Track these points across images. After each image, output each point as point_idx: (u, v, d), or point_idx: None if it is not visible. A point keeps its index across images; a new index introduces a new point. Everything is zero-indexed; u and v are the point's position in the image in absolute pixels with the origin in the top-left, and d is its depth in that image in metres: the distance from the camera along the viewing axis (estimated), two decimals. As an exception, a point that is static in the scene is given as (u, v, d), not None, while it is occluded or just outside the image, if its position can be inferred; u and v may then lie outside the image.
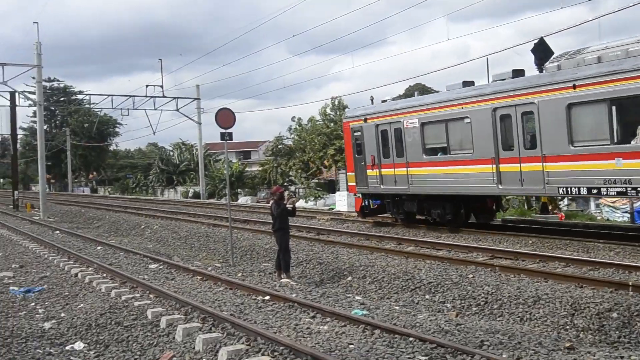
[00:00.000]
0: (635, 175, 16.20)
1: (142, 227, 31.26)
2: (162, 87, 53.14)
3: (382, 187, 25.03)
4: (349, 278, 15.80)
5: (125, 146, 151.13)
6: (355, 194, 27.63)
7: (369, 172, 25.63)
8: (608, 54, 17.04)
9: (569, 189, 17.91)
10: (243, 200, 54.24)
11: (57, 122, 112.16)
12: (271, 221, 17.00)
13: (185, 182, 75.56)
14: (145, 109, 55.66)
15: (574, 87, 17.45)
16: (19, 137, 78.71)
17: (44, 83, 47.05)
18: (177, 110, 55.81)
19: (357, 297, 13.24)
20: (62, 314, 12.82)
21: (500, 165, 19.99)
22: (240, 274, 16.51)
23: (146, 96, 53.02)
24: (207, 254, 22.31)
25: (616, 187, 16.65)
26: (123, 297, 13.38)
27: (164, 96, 53.61)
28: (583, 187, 17.49)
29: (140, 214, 38.50)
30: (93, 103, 64.62)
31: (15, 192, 50.99)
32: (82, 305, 13.33)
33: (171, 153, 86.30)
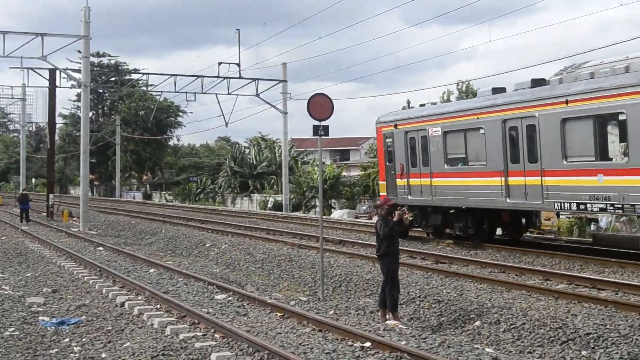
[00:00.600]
0: (613, 192, 21.04)
1: (207, 245, 31.73)
2: (238, 65, 53.96)
3: (409, 197, 29.84)
4: (477, 323, 15.75)
5: (189, 140, 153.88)
6: None
7: (398, 181, 30.54)
8: (599, 70, 22.08)
9: (562, 204, 22.92)
10: (338, 214, 54.40)
11: (106, 108, 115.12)
12: (375, 243, 17.04)
13: (263, 189, 76.39)
14: (216, 94, 57.09)
15: (567, 102, 22.52)
16: (57, 126, 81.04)
17: (91, 58, 48.45)
18: (257, 95, 56.54)
19: (487, 349, 13.14)
20: (103, 355, 12.99)
21: (509, 178, 24.83)
22: (332, 312, 16.62)
23: (218, 77, 54.01)
24: (290, 283, 22.51)
25: (598, 203, 21.57)
26: (181, 336, 13.59)
27: (240, 77, 54.38)
28: (573, 202, 22.53)
29: (205, 228, 39.00)
30: (151, 85, 66.20)
31: (50, 196, 52.15)
32: (128, 344, 13.52)
33: (247, 151, 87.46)
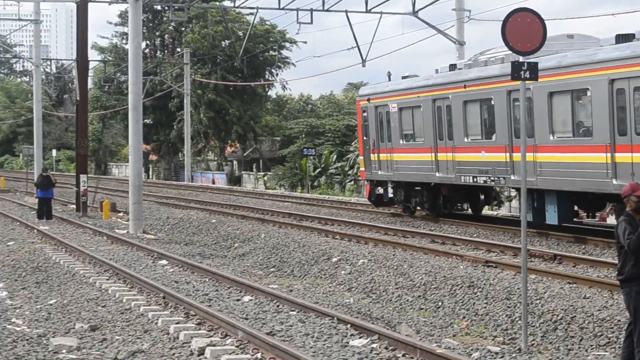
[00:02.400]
0: (490, 167, 28.52)
1: (335, 259, 27.20)
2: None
3: (379, 172, 35.37)
4: None
5: (302, 89, 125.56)
6: (365, 180, 38.75)
7: (372, 156, 36.18)
8: (490, 59, 28.80)
9: (465, 177, 29.62)
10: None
11: (167, 37, 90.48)
12: (616, 261, 13.90)
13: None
14: (346, 11, 44.99)
15: (465, 87, 29.47)
16: (91, 65, 61.71)
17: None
18: (414, 14, 43.71)
19: None
20: None
21: (438, 154, 31.26)
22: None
23: (350, -16, 40.47)
24: (472, 322, 19.34)
25: (482, 176, 28.81)
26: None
27: (387, -15, 40.10)
28: (469, 176, 29.40)
29: (329, 231, 32.96)
30: (240, -1, 49.98)
31: (82, 177, 41.49)
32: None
33: (395, 106, 75.28)
